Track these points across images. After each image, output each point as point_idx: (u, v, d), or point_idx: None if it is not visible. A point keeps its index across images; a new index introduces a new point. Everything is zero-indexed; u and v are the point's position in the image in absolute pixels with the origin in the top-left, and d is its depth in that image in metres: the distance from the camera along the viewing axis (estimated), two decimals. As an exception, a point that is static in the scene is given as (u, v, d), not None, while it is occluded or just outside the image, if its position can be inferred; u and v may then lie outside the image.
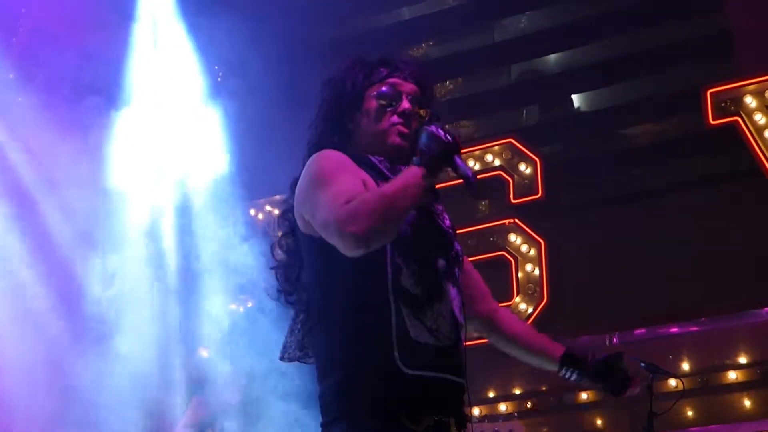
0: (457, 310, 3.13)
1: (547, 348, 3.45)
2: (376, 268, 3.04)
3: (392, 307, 3.00)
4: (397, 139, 3.23)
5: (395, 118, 3.23)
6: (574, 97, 9.67)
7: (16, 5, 8.62)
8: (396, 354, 2.97)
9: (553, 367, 3.42)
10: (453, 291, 3.15)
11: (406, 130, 3.22)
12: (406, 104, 3.25)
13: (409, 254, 3.07)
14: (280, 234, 3.34)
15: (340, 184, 3.03)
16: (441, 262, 3.15)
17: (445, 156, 3.04)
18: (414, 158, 3.07)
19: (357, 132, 3.28)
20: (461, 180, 3.03)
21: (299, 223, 3.18)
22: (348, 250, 2.96)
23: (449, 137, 3.07)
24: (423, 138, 3.09)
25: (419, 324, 3.02)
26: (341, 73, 3.35)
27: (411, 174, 3.02)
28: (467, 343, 3.17)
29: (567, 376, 3.41)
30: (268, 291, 3.33)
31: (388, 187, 2.99)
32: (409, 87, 3.30)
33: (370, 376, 2.99)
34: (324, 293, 3.15)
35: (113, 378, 8.00)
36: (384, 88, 3.28)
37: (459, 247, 3.27)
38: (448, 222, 3.27)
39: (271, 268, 3.32)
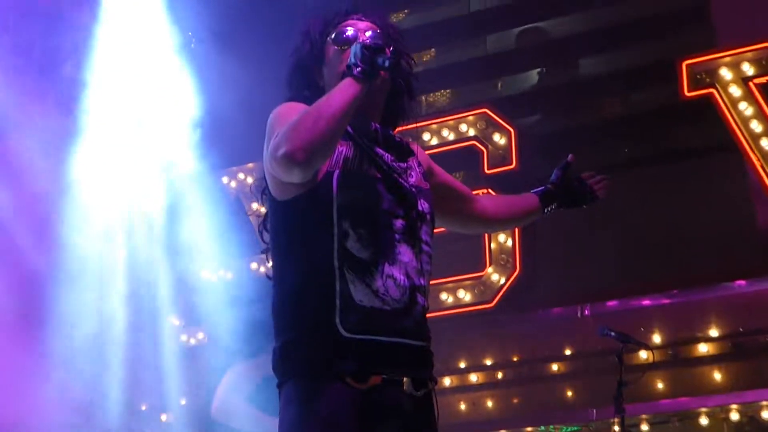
0: (413, 272, 3.07)
1: (529, 206, 3.65)
2: (324, 233, 3.01)
3: (336, 272, 2.98)
4: None
5: None
6: (551, 68, 9.62)
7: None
8: (337, 319, 2.95)
9: (539, 215, 3.66)
10: (409, 253, 3.08)
11: None
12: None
13: (357, 218, 3.02)
14: (263, 215, 3.29)
15: (285, 123, 3.00)
16: (399, 223, 3.08)
17: (367, 58, 3.00)
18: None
19: (328, 86, 3.19)
20: (386, 72, 3.02)
21: (269, 184, 3.13)
22: (287, 174, 2.96)
23: (369, 41, 3.07)
24: (350, 58, 3.06)
25: (365, 288, 2.98)
26: (301, 36, 3.31)
27: (338, 86, 3.01)
28: (436, 314, 3.13)
29: (550, 211, 3.66)
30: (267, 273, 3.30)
31: (315, 103, 2.98)
32: (364, 25, 3.26)
33: (313, 340, 2.98)
34: (278, 257, 3.13)
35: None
36: (338, 33, 3.25)
37: (425, 205, 3.18)
38: (413, 179, 3.20)
39: (262, 253, 3.28)
